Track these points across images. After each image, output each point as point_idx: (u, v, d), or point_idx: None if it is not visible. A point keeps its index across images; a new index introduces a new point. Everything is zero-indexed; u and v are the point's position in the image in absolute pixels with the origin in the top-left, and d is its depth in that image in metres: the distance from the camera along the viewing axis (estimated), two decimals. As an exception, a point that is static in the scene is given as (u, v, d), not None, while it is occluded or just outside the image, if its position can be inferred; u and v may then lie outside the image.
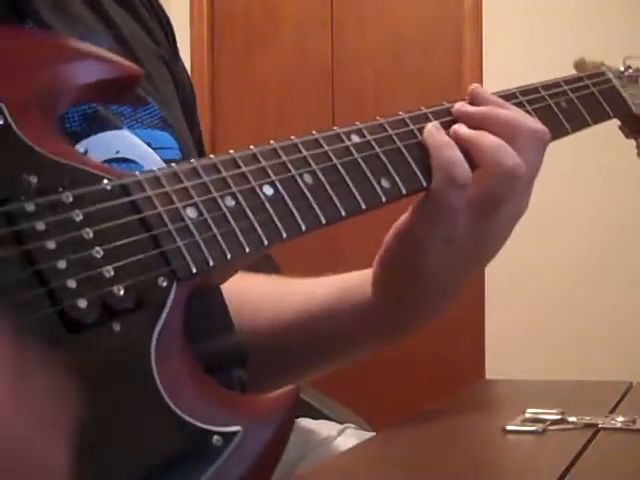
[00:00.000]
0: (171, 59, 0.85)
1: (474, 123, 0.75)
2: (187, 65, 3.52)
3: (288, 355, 0.87)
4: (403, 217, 0.76)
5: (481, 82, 3.40)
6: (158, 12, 0.87)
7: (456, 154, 0.72)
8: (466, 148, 0.73)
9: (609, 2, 3.30)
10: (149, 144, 0.72)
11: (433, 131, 0.73)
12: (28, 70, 0.58)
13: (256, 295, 0.88)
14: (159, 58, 0.83)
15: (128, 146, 0.70)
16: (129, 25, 0.81)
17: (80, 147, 0.66)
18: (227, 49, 3.74)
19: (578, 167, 3.15)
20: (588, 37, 3.27)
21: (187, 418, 0.53)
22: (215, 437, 0.54)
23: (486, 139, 0.74)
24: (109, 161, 0.67)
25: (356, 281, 0.83)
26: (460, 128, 0.75)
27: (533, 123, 0.77)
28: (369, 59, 3.59)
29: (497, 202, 0.74)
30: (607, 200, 3.16)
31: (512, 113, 0.77)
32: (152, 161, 0.71)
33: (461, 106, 0.77)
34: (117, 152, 0.68)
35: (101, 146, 0.67)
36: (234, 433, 0.54)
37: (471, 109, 0.77)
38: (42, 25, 0.69)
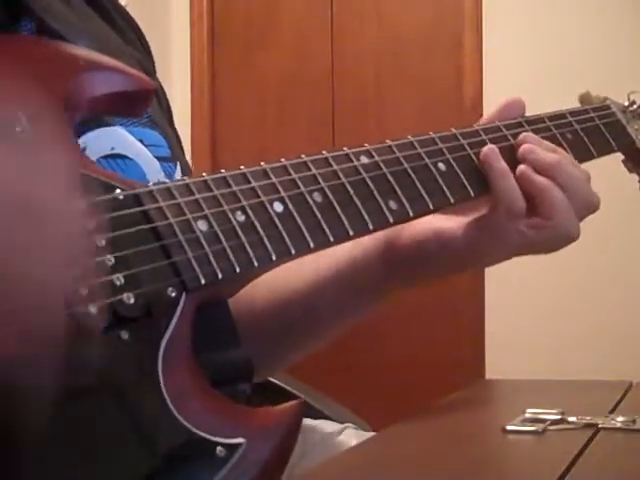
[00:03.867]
0: (149, 67, 0.86)
1: (541, 167, 0.78)
2: (187, 65, 3.54)
3: (307, 319, 0.88)
4: (445, 224, 0.79)
5: (481, 82, 3.40)
6: (132, 23, 0.87)
7: (512, 184, 0.76)
8: (532, 193, 0.77)
9: (610, 3, 3.30)
10: (141, 141, 0.73)
11: (493, 158, 0.76)
12: (46, 79, 0.59)
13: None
14: (138, 63, 0.83)
15: (122, 143, 0.70)
16: (105, 30, 0.81)
17: (80, 144, 0.66)
18: (227, 49, 3.73)
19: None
20: (588, 38, 3.27)
21: (192, 428, 0.54)
22: (219, 448, 0.54)
23: (556, 195, 0.77)
24: (105, 157, 0.68)
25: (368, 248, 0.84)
26: (532, 173, 0.77)
27: (592, 195, 0.81)
28: (369, 59, 3.59)
29: (546, 238, 0.78)
30: (607, 201, 3.16)
31: (580, 174, 0.80)
32: (145, 158, 0.71)
33: (529, 146, 0.79)
34: (112, 148, 0.69)
35: (97, 143, 0.67)
36: (238, 445, 0.54)
37: (543, 155, 0.79)
38: (39, 22, 0.69)
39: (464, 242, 0.78)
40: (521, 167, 0.77)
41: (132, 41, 0.85)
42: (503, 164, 0.76)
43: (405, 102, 3.50)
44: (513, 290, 3.32)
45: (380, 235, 0.82)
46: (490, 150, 0.77)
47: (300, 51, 3.66)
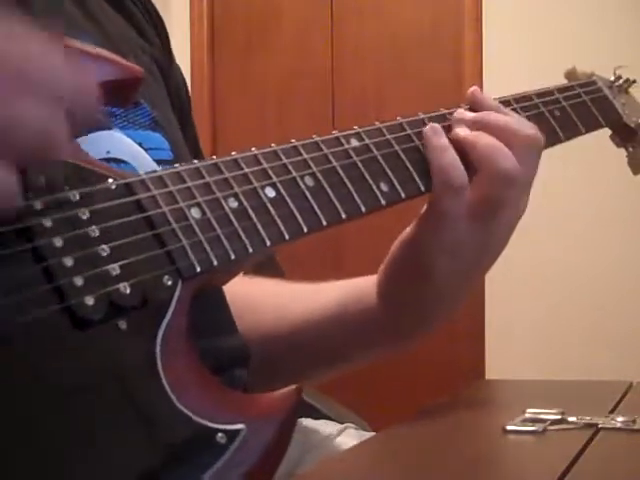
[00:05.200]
0: (164, 60, 0.86)
1: (473, 128, 0.77)
2: (187, 65, 3.54)
3: (291, 359, 0.87)
4: (409, 227, 0.78)
5: (481, 81, 3.39)
6: (152, 14, 0.87)
7: (452, 157, 0.74)
8: (464, 150, 0.75)
9: (610, 3, 3.30)
10: (140, 144, 0.73)
11: (430, 134, 0.75)
12: None
13: (260, 299, 0.89)
14: (150, 58, 0.83)
15: (119, 146, 0.70)
16: (119, 24, 0.81)
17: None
18: (227, 49, 3.73)
19: (579, 168, 3.14)
20: (589, 37, 3.27)
21: (192, 415, 0.54)
22: (219, 434, 0.54)
23: (483, 140, 0.75)
24: (100, 161, 0.67)
25: (365, 286, 0.84)
26: (459, 130, 0.76)
27: (529, 128, 0.78)
28: (369, 59, 3.59)
29: (495, 206, 0.75)
30: (607, 200, 3.16)
31: (509, 118, 0.78)
32: (143, 161, 0.71)
33: (459, 113, 0.78)
34: (108, 152, 0.69)
35: (91, 146, 0.67)
36: (238, 431, 0.55)
37: (469, 115, 0.78)
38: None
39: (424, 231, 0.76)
40: (454, 129, 0.76)
41: (147, 33, 0.84)
42: (443, 140, 0.74)
43: (405, 102, 3.49)
44: (513, 290, 3.32)
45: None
46: (429, 128, 0.75)
47: (300, 51, 3.66)
